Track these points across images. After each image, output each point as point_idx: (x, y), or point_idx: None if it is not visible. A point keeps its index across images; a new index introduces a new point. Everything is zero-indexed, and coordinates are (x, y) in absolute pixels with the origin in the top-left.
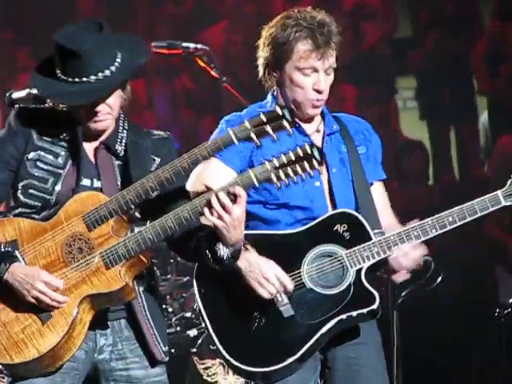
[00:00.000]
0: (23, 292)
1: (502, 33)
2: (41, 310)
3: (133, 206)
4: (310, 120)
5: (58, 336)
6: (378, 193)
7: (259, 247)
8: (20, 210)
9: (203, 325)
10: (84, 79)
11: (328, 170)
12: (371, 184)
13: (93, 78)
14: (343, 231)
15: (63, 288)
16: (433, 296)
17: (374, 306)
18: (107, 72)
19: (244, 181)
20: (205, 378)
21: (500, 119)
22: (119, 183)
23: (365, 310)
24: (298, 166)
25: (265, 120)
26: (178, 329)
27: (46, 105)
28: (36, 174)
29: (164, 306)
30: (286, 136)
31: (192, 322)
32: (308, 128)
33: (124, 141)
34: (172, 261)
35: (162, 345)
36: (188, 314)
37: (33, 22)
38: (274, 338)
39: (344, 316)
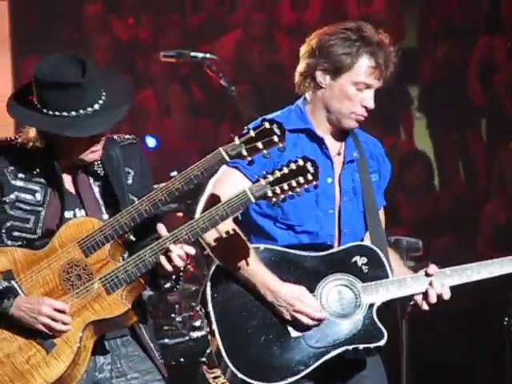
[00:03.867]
0: (30, 321)
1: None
2: (44, 338)
3: (127, 230)
4: (336, 137)
5: (63, 364)
6: (381, 219)
7: (273, 262)
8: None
9: (209, 329)
10: (89, 109)
11: (340, 199)
12: None
13: (90, 109)
14: (362, 264)
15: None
16: (442, 303)
17: (381, 343)
18: (101, 102)
19: (241, 199)
20: None
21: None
22: (103, 208)
23: (371, 345)
24: (293, 180)
25: (254, 136)
26: (187, 338)
27: (17, 140)
28: (16, 216)
29: (172, 315)
30: (308, 146)
31: (200, 329)
32: (332, 148)
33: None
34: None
35: (161, 359)
36: (197, 323)
37: None
38: (279, 356)
39: (350, 347)
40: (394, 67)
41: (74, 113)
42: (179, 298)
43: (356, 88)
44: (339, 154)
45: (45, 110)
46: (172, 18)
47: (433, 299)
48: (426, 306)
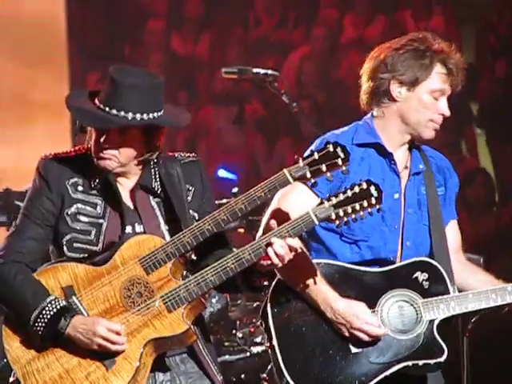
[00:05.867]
0: (86, 341)
1: None
2: (104, 355)
3: (190, 249)
4: (404, 150)
5: (123, 381)
6: (453, 233)
7: (334, 278)
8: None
9: (269, 344)
10: (107, 109)
11: (404, 211)
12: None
13: (114, 111)
14: (423, 280)
15: (125, 332)
16: (505, 321)
17: (441, 359)
18: (130, 114)
19: (305, 221)
20: None
21: None
22: (162, 224)
23: (431, 361)
24: (357, 204)
25: (317, 158)
26: (248, 354)
27: (73, 153)
28: (78, 228)
29: (234, 332)
30: (376, 161)
31: (261, 344)
32: (400, 163)
33: (158, 175)
34: None
35: (220, 376)
36: (258, 339)
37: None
38: (339, 372)
39: (410, 363)
40: (464, 73)
41: (107, 109)
42: (240, 314)
43: (432, 97)
44: (406, 167)
45: (95, 103)
46: (235, 34)
47: None
48: None
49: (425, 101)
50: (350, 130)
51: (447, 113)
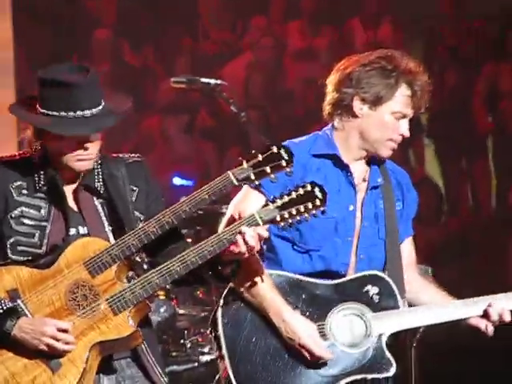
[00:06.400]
0: (34, 342)
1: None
2: (49, 358)
3: (134, 251)
4: (363, 165)
5: None
6: (408, 249)
7: (284, 289)
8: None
9: (218, 353)
10: (79, 112)
11: (360, 224)
12: (401, 242)
13: (87, 112)
14: (373, 294)
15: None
16: (451, 330)
17: (390, 374)
18: (100, 107)
19: (249, 222)
20: None
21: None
22: (106, 225)
23: (380, 376)
24: (301, 205)
25: (261, 160)
26: (196, 364)
27: (21, 155)
28: (22, 231)
29: (182, 341)
30: (332, 172)
31: (210, 357)
32: (357, 176)
33: (101, 176)
34: (189, 296)
35: (165, 379)
36: (206, 349)
37: None
38: (287, 383)
39: (359, 376)
40: (429, 95)
41: (63, 113)
42: (188, 324)
43: (394, 117)
44: (364, 180)
45: (40, 109)
46: (183, 44)
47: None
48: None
49: (386, 121)
50: (309, 139)
51: (407, 134)
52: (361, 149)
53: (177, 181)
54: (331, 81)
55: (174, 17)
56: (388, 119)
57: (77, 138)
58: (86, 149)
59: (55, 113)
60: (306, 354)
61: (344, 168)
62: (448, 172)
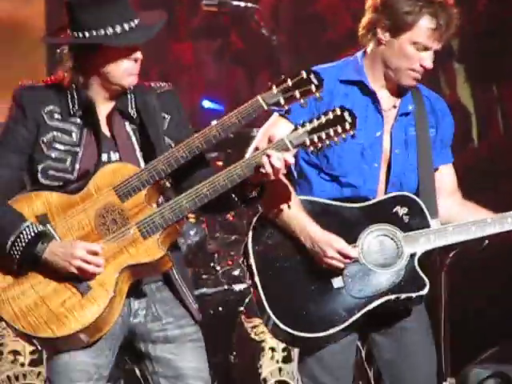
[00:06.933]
0: (64, 264)
1: None
2: (79, 282)
3: (164, 176)
4: (393, 91)
5: (99, 308)
6: (447, 177)
7: (315, 214)
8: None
9: (251, 281)
10: (128, 24)
11: (391, 151)
12: (436, 169)
13: (132, 23)
14: (403, 214)
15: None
16: (482, 256)
17: (423, 292)
18: (136, 20)
19: (279, 147)
20: (252, 336)
21: None
22: (137, 151)
23: (413, 295)
24: (331, 129)
25: (290, 85)
26: (226, 287)
27: (50, 82)
28: (53, 156)
29: (212, 264)
30: (360, 99)
31: (240, 281)
32: (385, 102)
33: (134, 102)
34: (220, 219)
35: (195, 304)
36: (236, 272)
37: None
38: (321, 307)
39: (392, 296)
40: (456, 29)
41: (110, 28)
42: (218, 247)
43: (415, 48)
44: (394, 107)
45: (81, 34)
46: None
47: None
48: None
49: (406, 51)
50: (338, 65)
51: (429, 66)
52: (386, 76)
53: (206, 104)
54: (368, 3)
55: None
56: (409, 49)
57: (128, 51)
58: (136, 60)
59: (101, 30)
60: (336, 264)
61: (371, 95)
62: (479, 98)
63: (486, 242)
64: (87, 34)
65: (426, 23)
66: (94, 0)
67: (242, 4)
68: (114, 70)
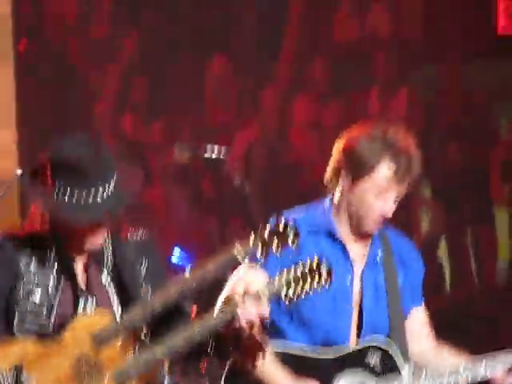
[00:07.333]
0: None
1: None
2: None
3: (139, 325)
4: (361, 238)
5: None
6: (418, 320)
7: (287, 363)
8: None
9: None
10: (91, 198)
11: (362, 296)
12: (408, 313)
13: (99, 196)
14: (376, 364)
15: None
16: None
17: None
18: (112, 185)
19: (253, 300)
20: None
21: None
22: (114, 301)
23: None
24: (307, 282)
25: (268, 235)
26: None
27: (24, 231)
28: (29, 308)
29: None
30: (329, 247)
31: None
32: (354, 250)
33: (110, 251)
34: (192, 367)
35: None
36: None
37: None
38: None
39: None
40: (417, 175)
41: (84, 195)
42: None
43: (373, 195)
44: (364, 254)
45: (56, 193)
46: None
47: None
48: None
49: (367, 199)
50: (307, 213)
51: (388, 215)
52: (351, 223)
53: (177, 253)
54: (335, 148)
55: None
56: (368, 197)
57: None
58: (97, 232)
59: (69, 196)
60: None
61: (339, 243)
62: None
63: None
64: (59, 196)
65: (383, 171)
66: (72, 160)
67: (214, 155)
68: (76, 234)
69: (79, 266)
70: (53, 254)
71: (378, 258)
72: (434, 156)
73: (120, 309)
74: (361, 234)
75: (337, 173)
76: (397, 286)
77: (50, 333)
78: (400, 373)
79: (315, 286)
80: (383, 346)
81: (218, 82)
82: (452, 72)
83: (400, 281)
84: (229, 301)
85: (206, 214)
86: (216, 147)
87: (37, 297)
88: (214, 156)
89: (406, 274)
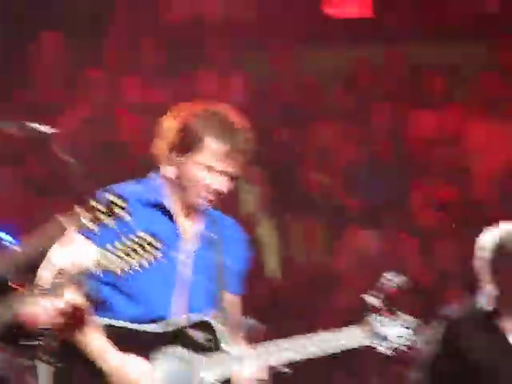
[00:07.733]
0: None
1: None
2: None
3: None
4: (192, 215)
5: None
6: (231, 307)
7: (113, 339)
8: None
9: None
10: None
11: (188, 273)
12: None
13: None
14: (199, 341)
15: None
16: None
17: None
18: None
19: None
20: None
21: None
22: None
23: None
24: (138, 254)
25: (95, 206)
26: None
27: None
28: None
29: None
30: (159, 221)
31: None
32: (184, 226)
33: None
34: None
35: None
36: None
37: None
38: None
39: None
40: (246, 154)
41: None
42: None
43: (202, 169)
44: (193, 231)
45: None
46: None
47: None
48: None
49: (194, 173)
50: (137, 185)
51: (221, 190)
52: (181, 198)
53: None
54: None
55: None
56: (195, 172)
57: None
58: None
59: None
60: None
61: (171, 218)
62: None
63: None
64: None
65: (213, 143)
66: None
67: (41, 128)
68: None
69: None
70: None
71: (208, 239)
72: (264, 137)
73: None
74: (190, 208)
75: (167, 148)
76: (223, 268)
77: None
78: (225, 351)
79: (144, 261)
80: (209, 324)
81: (49, 58)
82: (284, 55)
83: (227, 263)
84: (54, 283)
85: (33, 193)
86: (43, 124)
87: None
88: (41, 132)
89: (232, 259)
